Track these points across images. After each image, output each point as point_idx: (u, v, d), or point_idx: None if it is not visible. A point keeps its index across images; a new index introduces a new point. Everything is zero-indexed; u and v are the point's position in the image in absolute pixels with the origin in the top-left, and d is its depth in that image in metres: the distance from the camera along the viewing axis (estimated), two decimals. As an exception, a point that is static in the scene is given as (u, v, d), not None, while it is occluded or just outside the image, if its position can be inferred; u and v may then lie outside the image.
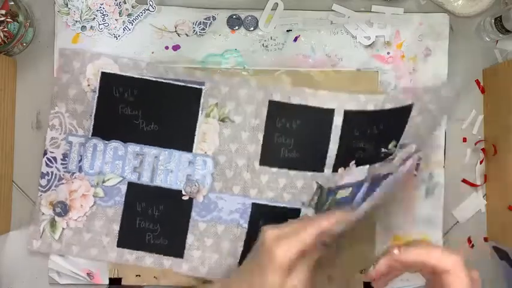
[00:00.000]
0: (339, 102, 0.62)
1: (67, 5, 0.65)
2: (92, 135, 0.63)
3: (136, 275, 0.64)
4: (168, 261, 0.63)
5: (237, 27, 0.66)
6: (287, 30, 0.66)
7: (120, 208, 0.63)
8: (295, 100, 0.63)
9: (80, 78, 0.64)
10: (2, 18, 0.62)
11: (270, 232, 0.47)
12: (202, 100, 0.63)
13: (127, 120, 0.63)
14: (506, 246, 0.64)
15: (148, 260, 0.63)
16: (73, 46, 0.65)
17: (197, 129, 0.63)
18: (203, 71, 0.64)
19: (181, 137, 0.63)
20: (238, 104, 0.63)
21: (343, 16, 0.66)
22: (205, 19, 0.66)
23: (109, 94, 0.63)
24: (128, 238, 0.63)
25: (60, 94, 0.64)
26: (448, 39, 0.66)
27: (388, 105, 0.61)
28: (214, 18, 0.66)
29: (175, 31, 0.66)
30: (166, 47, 0.66)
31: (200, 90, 0.63)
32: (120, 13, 0.65)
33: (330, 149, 0.62)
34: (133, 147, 0.63)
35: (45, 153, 0.64)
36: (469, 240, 0.66)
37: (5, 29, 0.62)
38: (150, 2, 0.65)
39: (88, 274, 0.64)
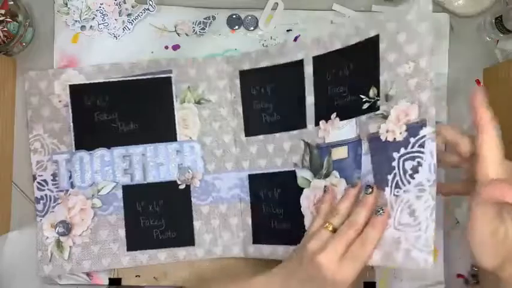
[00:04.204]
0: (306, 51, 0.60)
1: (66, 4, 0.65)
2: (76, 149, 0.64)
3: (136, 276, 0.64)
4: (181, 252, 0.63)
5: (237, 27, 0.66)
6: (287, 30, 0.66)
7: (121, 213, 0.64)
8: (263, 63, 0.62)
9: (50, 96, 0.64)
10: (2, 18, 0.62)
11: (325, 258, 0.46)
12: (173, 87, 0.63)
13: (105, 125, 0.63)
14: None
15: (162, 255, 0.63)
16: (72, 46, 0.65)
17: (176, 117, 0.63)
18: (168, 60, 0.64)
19: (162, 129, 0.63)
20: (210, 82, 0.63)
21: (344, 16, 0.66)
22: (205, 19, 0.66)
23: (82, 105, 0.64)
24: (136, 240, 0.63)
25: (34, 117, 0.64)
26: (449, 39, 0.65)
27: (353, 40, 0.57)
28: (214, 17, 0.66)
29: (175, 31, 0.66)
30: (166, 47, 0.66)
31: (169, 78, 0.63)
32: (119, 13, 0.65)
33: (307, 101, 0.60)
34: (118, 151, 0.64)
35: (34, 178, 0.64)
36: (470, 241, 0.66)
37: (5, 29, 0.62)
38: (150, 2, 0.65)
39: (87, 274, 0.64)
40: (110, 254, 0.63)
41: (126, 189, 0.63)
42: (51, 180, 0.64)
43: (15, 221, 0.65)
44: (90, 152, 0.64)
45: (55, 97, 0.64)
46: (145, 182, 0.63)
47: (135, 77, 0.64)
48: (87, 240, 0.63)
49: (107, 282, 0.64)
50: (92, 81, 0.64)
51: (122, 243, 0.63)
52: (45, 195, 0.64)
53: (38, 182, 0.64)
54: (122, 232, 0.63)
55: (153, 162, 0.63)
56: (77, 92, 0.64)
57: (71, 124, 0.64)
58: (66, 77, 0.64)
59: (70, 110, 0.64)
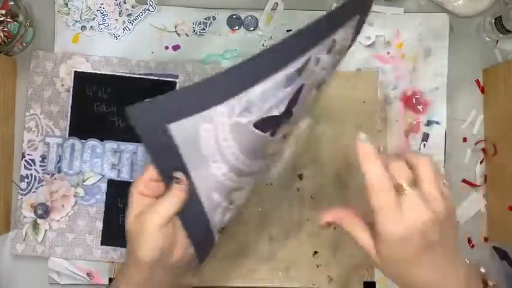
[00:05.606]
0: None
1: (67, 4, 0.65)
2: (69, 135, 0.64)
3: (137, 275, 0.64)
4: None
5: (237, 27, 0.66)
6: (287, 30, 0.66)
7: (102, 206, 0.64)
8: None
9: (54, 79, 0.65)
10: (2, 18, 0.62)
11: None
12: None
13: (103, 118, 0.64)
14: (506, 246, 0.64)
15: None
16: (73, 46, 0.65)
17: None
18: (175, 64, 0.64)
19: None
20: None
21: (343, 16, 0.66)
22: (205, 19, 0.66)
23: (83, 93, 0.64)
24: (112, 236, 0.64)
25: (34, 96, 0.65)
26: (448, 39, 0.66)
27: None
28: (214, 18, 0.66)
29: (175, 31, 0.66)
30: (166, 47, 0.66)
31: (174, 83, 0.64)
32: (120, 13, 0.65)
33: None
34: (110, 145, 0.64)
35: (23, 156, 0.64)
36: (469, 241, 0.66)
37: (5, 29, 0.62)
38: (150, 2, 0.65)
39: (88, 274, 0.64)
40: (83, 244, 0.63)
41: (111, 184, 0.64)
42: (40, 161, 0.64)
43: (15, 221, 0.65)
44: (83, 140, 0.64)
45: (58, 80, 0.64)
46: (131, 181, 0.63)
47: (141, 75, 0.64)
48: (64, 226, 0.63)
49: (107, 282, 0.64)
50: (97, 72, 0.64)
51: (97, 236, 0.64)
52: (31, 174, 0.64)
53: (26, 161, 0.64)
54: (99, 225, 0.64)
55: (142, 163, 0.64)
56: (81, 79, 0.64)
57: (69, 110, 0.64)
58: (73, 62, 0.65)
59: (71, 96, 0.64)
